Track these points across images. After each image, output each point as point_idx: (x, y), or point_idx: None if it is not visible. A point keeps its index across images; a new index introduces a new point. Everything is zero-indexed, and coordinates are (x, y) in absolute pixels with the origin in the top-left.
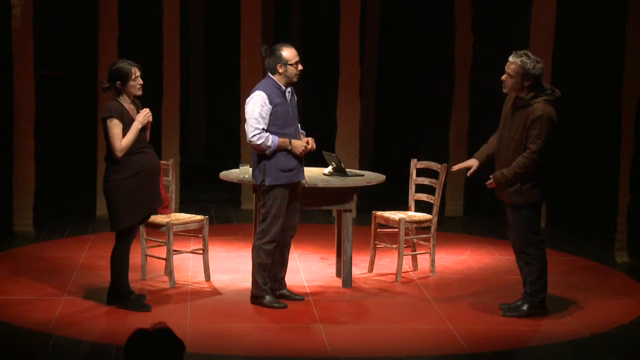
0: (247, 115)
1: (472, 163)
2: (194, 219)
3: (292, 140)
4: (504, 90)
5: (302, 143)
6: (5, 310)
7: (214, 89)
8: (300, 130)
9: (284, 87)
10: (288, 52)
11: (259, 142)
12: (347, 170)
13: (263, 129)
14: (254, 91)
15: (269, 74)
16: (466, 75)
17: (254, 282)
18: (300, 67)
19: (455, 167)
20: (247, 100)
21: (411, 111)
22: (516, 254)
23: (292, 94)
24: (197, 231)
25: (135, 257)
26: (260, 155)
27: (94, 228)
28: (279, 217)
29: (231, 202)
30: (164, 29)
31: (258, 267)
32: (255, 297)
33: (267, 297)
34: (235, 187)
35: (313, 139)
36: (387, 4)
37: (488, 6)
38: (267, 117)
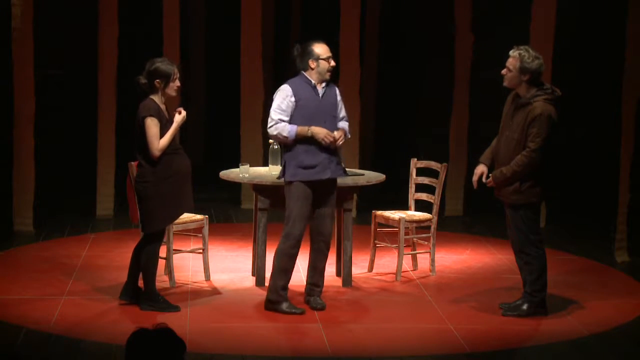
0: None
1: (482, 169)
2: (193, 218)
3: (312, 127)
4: (504, 84)
5: (324, 130)
6: (5, 310)
7: (214, 89)
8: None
9: (314, 82)
10: (319, 48)
11: (274, 133)
12: (347, 169)
13: (280, 119)
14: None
15: (302, 71)
16: (466, 75)
17: (273, 286)
18: (332, 62)
19: (475, 183)
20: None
21: (411, 111)
22: (515, 253)
23: (327, 91)
24: (197, 231)
25: None
26: (286, 149)
27: (94, 228)
28: (301, 219)
29: (231, 201)
30: (164, 29)
31: (279, 272)
32: (272, 303)
33: (285, 304)
34: (235, 186)
35: (342, 133)
36: (387, 4)
37: (488, 6)
38: (288, 110)
